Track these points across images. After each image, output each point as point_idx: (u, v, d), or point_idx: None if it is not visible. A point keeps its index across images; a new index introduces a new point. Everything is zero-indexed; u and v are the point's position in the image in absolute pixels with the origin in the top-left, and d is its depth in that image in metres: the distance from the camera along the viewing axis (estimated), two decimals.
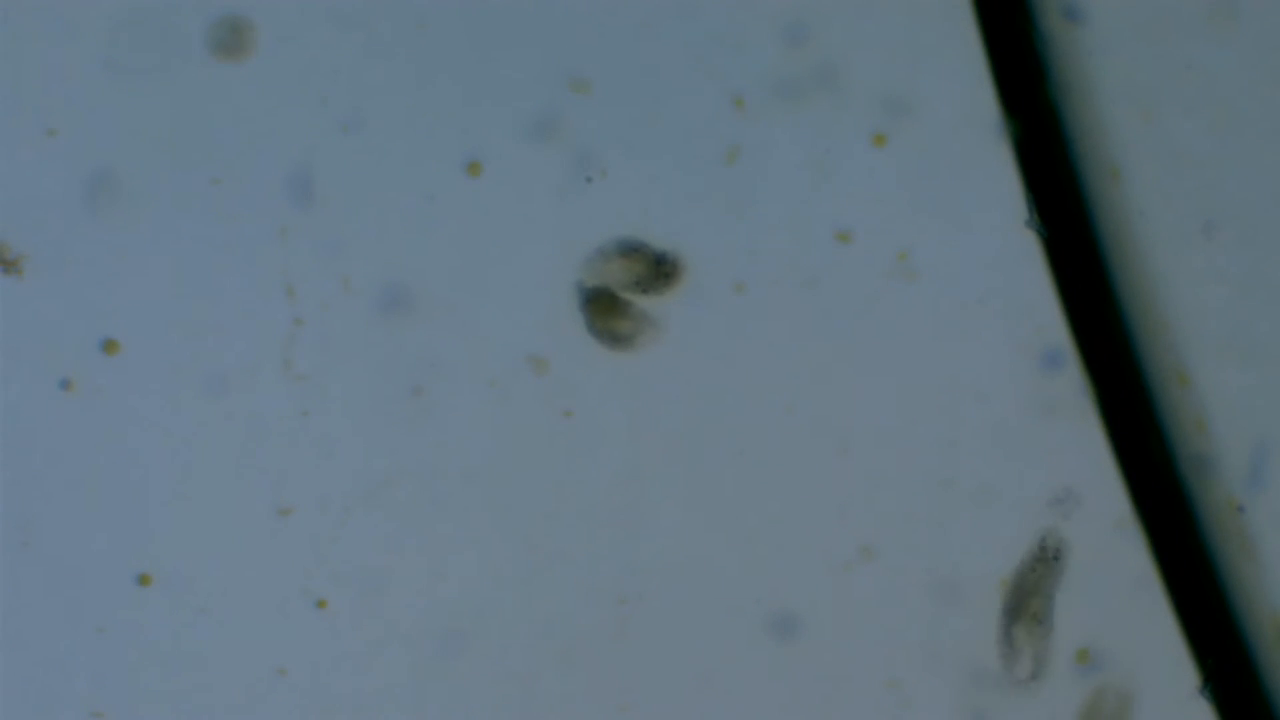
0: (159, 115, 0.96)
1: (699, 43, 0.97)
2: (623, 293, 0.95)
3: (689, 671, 0.97)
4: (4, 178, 0.96)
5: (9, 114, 0.96)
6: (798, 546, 0.97)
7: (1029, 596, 0.96)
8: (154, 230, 0.96)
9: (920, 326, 0.97)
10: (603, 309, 0.94)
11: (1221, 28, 0.96)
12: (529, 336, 0.97)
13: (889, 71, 0.97)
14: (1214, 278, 0.96)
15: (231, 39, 0.96)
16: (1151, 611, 0.96)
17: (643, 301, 0.96)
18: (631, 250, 0.95)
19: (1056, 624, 0.97)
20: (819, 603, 0.97)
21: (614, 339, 0.94)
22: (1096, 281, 0.96)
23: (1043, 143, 0.96)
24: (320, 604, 0.96)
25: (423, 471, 0.97)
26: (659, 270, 0.94)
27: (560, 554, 0.97)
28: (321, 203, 0.97)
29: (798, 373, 0.97)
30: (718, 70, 0.97)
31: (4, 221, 0.96)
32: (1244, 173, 0.96)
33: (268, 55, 0.97)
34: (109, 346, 0.96)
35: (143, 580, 0.96)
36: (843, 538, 0.97)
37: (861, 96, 0.97)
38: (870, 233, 0.97)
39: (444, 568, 0.97)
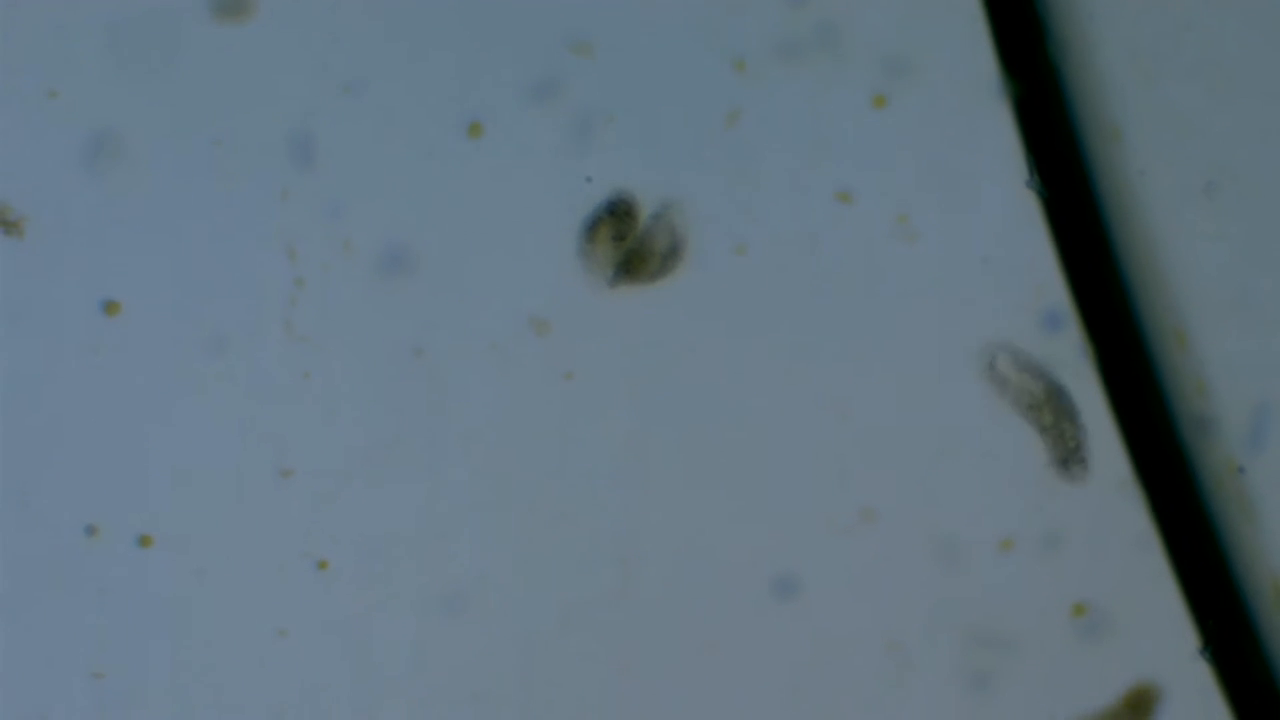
0: (160, 77, 0.96)
1: (699, 5, 0.97)
2: (623, 249, 0.96)
3: (691, 632, 0.97)
4: (5, 139, 0.96)
5: (10, 76, 0.96)
6: (799, 509, 0.97)
7: (1042, 408, 0.95)
8: (155, 192, 0.96)
9: (921, 288, 0.97)
10: (636, 267, 0.94)
11: None
12: (530, 298, 0.97)
13: (889, 33, 0.97)
14: (1215, 238, 0.96)
15: (232, 1, 0.96)
16: (1152, 573, 0.96)
17: (636, 241, 0.96)
18: (592, 225, 0.95)
19: (1058, 568, 0.97)
20: (820, 565, 0.97)
21: (668, 262, 0.94)
22: (1097, 242, 0.96)
23: (1043, 103, 0.96)
24: (321, 565, 0.97)
25: (424, 433, 0.97)
26: (618, 215, 0.94)
27: (562, 515, 0.97)
28: (322, 164, 0.97)
29: (798, 334, 0.97)
30: (718, 32, 0.97)
31: (5, 183, 0.96)
32: (1245, 133, 0.96)
33: (268, 17, 0.97)
34: (110, 308, 0.96)
35: (143, 541, 0.96)
36: (844, 500, 0.97)
37: (861, 58, 0.97)
38: (870, 194, 0.97)
39: (445, 530, 0.97)
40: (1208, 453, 0.96)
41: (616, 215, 0.95)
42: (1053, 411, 0.95)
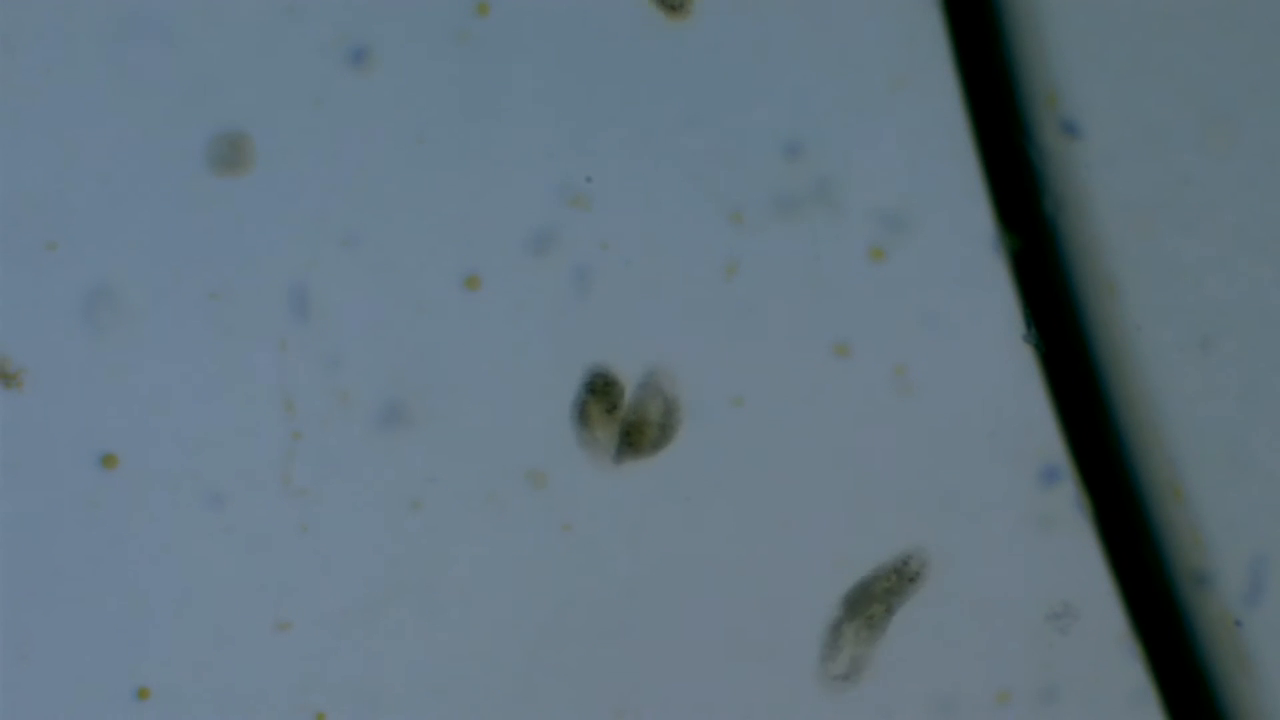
0: (158, 229, 0.96)
1: (697, 158, 0.97)
2: (619, 420, 0.96)
3: None
4: (4, 292, 0.96)
5: (9, 228, 0.96)
6: (796, 662, 0.97)
7: (872, 602, 0.96)
8: (153, 344, 0.97)
9: (917, 440, 0.97)
10: (636, 439, 0.95)
11: (1219, 143, 0.96)
12: (528, 450, 0.97)
13: (887, 186, 0.97)
14: (1211, 392, 0.97)
15: (231, 154, 0.96)
16: None
17: (629, 412, 0.96)
18: (581, 408, 0.96)
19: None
20: None
21: (666, 430, 0.95)
22: (1093, 396, 0.96)
23: (1040, 257, 0.96)
24: (319, 718, 0.97)
25: (421, 585, 0.97)
26: (600, 390, 0.95)
27: (559, 667, 0.97)
28: (320, 317, 0.97)
29: (795, 485, 0.97)
30: (716, 185, 0.97)
31: (4, 335, 0.96)
32: (1241, 288, 0.97)
33: (266, 170, 0.97)
34: (108, 460, 0.96)
35: (141, 694, 0.96)
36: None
37: (859, 211, 0.97)
38: (868, 347, 0.97)
39: (443, 681, 0.97)
40: (1205, 607, 0.96)
41: (598, 391, 0.95)
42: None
